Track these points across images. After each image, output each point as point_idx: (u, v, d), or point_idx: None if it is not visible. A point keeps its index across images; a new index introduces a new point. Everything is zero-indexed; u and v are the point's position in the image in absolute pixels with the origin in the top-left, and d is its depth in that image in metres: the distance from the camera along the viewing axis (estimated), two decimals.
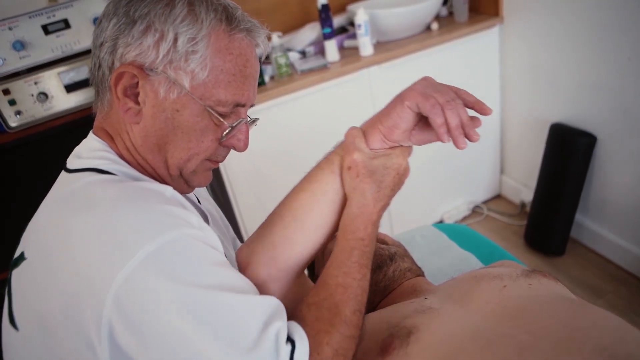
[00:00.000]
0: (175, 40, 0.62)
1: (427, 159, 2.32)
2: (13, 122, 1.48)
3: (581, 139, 1.97)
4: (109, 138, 0.70)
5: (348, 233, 0.66)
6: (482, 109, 0.63)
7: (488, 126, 2.43)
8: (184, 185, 0.72)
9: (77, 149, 0.72)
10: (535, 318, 0.67)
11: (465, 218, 2.55)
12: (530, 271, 0.82)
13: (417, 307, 0.78)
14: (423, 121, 0.67)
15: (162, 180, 0.71)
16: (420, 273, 0.96)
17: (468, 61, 2.21)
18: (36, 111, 1.49)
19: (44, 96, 1.49)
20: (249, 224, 2.04)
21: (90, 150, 0.69)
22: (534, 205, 2.24)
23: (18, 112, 1.48)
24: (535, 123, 2.25)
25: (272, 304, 0.59)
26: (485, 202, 2.62)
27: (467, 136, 0.61)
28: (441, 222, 2.52)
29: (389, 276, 0.91)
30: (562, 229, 2.14)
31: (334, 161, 0.71)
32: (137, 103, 0.65)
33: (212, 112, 0.65)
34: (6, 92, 1.45)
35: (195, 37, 0.62)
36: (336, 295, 0.63)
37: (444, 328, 0.71)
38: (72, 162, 0.69)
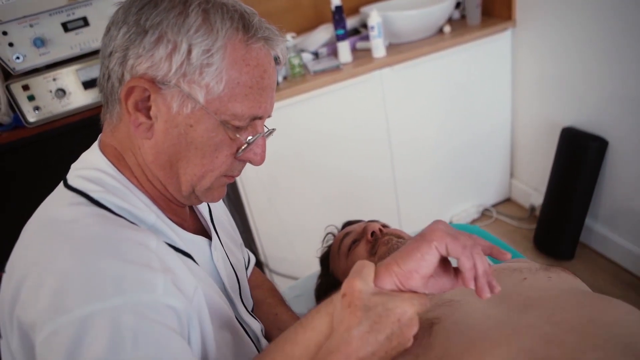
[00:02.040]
0: (189, 51, 0.58)
1: (437, 161, 2.33)
2: (32, 117, 1.50)
3: (592, 143, 1.97)
4: (116, 156, 0.67)
5: None
6: (501, 254, 0.57)
7: (499, 130, 2.43)
8: (195, 200, 0.69)
9: (79, 163, 0.69)
10: (558, 310, 0.67)
11: (474, 221, 2.55)
12: (549, 265, 0.82)
13: (436, 301, 0.78)
14: (440, 266, 0.58)
15: (172, 198, 0.69)
16: None
17: (480, 64, 2.21)
18: (54, 107, 1.52)
19: (62, 92, 1.51)
20: (260, 225, 2.05)
21: (91, 168, 0.66)
22: (544, 209, 2.24)
23: (37, 108, 1.50)
24: (546, 127, 2.25)
25: None
26: (495, 205, 2.62)
27: (489, 285, 0.55)
28: (451, 223, 2.52)
29: None
30: (571, 233, 2.14)
31: (334, 301, 0.59)
32: (149, 118, 0.61)
33: (228, 126, 0.62)
34: (25, 87, 1.48)
35: (211, 48, 0.58)
36: None
37: (466, 318, 0.71)
38: (71, 176, 0.66)
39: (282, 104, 1.86)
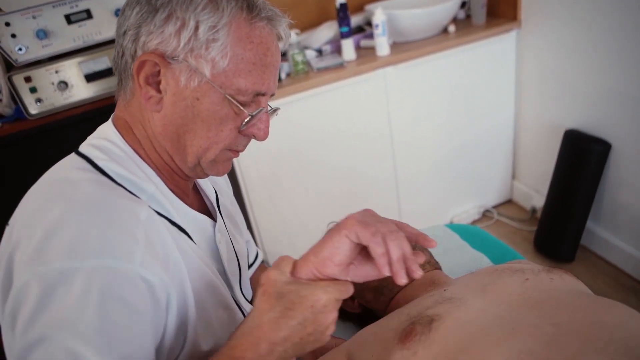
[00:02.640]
0: (197, 28, 0.62)
1: (439, 160, 2.33)
2: (33, 109, 1.50)
3: (596, 145, 1.96)
4: (126, 128, 0.70)
5: (234, 348, 0.57)
6: (426, 242, 0.59)
7: (501, 131, 2.42)
8: (200, 173, 0.72)
9: (94, 133, 0.73)
10: (560, 311, 0.66)
11: (475, 222, 2.54)
12: (551, 267, 0.82)
13: (437, 298, 0.78)
14: (363, 254, 0.60)
15: (178, 170, 0.71)
16: (438, 267, 0.97)
17: (484, 65, 2.20)
18: (56, 99, 1.52)
19: (64, 85, 1.51)
20: (261, 221, 2.05)
21: (101, 138, 0.70)
22: (545, 211, 2.24)
23: (38, 100, 1.50)
24: (549, 129, 2.24)
25: None
26: (496, 206, 2.62)
27: (408, 271, 0.55)
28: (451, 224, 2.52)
29: None
30: (572, 235, 2.13)
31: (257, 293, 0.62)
32: (159, 91, 0.65)
33: (232, 100, 0.65)
34: (28, 79, 1.47)
35: (216, 25, 0.62)
36: None
37: (467, 315, 0.70)
38: (83, 144, 0.71)
39: (285, 100, 1.85)
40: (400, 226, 0.60)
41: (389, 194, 2.28)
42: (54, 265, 0.54)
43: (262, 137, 0.71)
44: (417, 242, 0.60)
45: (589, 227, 2.15)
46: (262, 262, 1.11)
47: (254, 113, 0.67)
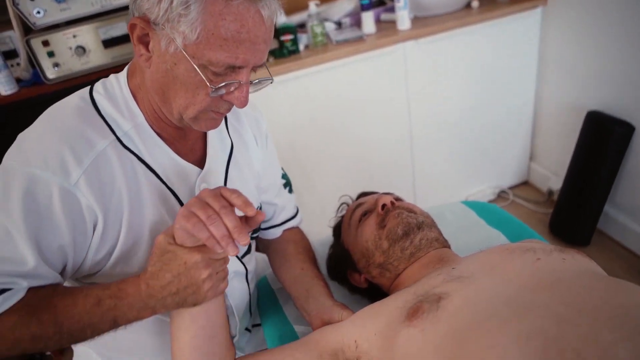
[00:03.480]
0: (172, 1, 0.65)
1: (456, 139, 2.30)
2: (51, 74, 1.50)
3: (618, 128, 1.91)
4: (133, 73, 0.79)
5: (124, 282, 0.73)
6: (246, 211, 0.67)
7: (521, 110, 2.38)
8: (188, 125, 0.78)
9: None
10: (572, 291, 0.65)
11: (490, 202, 2.51)
12: (564, 247, 0.80)
13: (445, 277, 0.77)
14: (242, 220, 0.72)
15: (166, 119, 0.79)
16: (447, 245, 0.96)
17: (506, 42, 2.15)
18: (73, 64, 1.51)
19: (81, 50, 1.50)
20: None
21: (115, 75, 0.81)
22: (562, 193, 2.20)
23: (56, 65, 1.49)
24: (570, 110, 2.19)
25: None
26: (512, 187, 2.58)
27: (235, 242, 0.66)
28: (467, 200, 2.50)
29: (415, 244, 0.91)
30: (589, 219, 2.10)
31: None
32: (148, 51, 0.71)
33: (199, 72, 0.68)
34: (45, 43, 1.47)
35: (189, 0, 0.65)
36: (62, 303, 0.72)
37: (475, 294, 0.70)
38: (108, 77, 0.82)
39: (303, 72, 1.83)
40: (229, 198, 0.68)
41: (404, 169, 2.26)
42: (6, 162, 0.70)
43: (239, 105, 0.74)
44: (241, 211, 0.68)
45: (606, 211, 2.11)
46: (293, 227, 1.14)
47: (220, 85, 0.70)
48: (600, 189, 2.04)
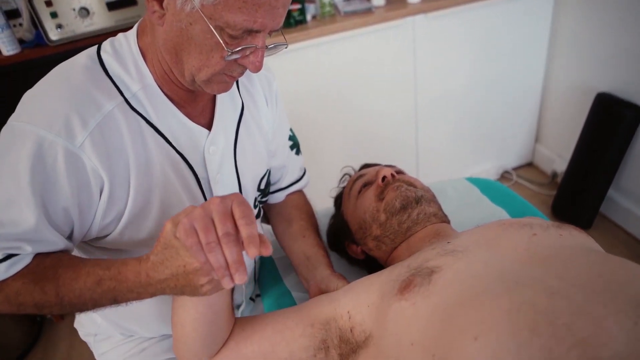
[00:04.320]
0: None
1: (462, 117, 2.27)
2: (54, 35, 1.48)
3: (628, 111, 1.89)
4: (144, 31, 0.76)
5: (125, 264, 0.68)
6: (247, 249, 0.57)
7: (529, 90, 2.35)
8: (199, 88, 0.75)
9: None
10: (567, 266, 0.64)
11: None
12: (562, 224, 0.79)
13: (439, 251, 0.76)
14: None
15: (176, 80, 0.75)
16: (445, 220, 0.95)
17: (518, 19, 2.11)
18: (77, 26, 1.49)
19: (85, 11, 1.47)
20: None
21: (123, 34, 0.78)
22: (567, 176, 2.19)
23: (59, 26, 1.47)
24: (579, 91, 2.16)
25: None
26: (516, 168, 2.57)
27: (231, 277, 0.57)
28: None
29: (413, 218, 0.90)
30: (592, 202, 2.09)
31: None
32: (162, 8, 0.68)
33: (215, 34, 0.66)
34: (48, 4, 1.44)
35: None
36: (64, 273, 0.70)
37: (468, 268, 0.69)
38: (116, 36, 0.79)
39: (310, 43, 1.80)
40: (238, 223, 0.58)
41: (408, 145, 2.24)
42: (13, 122, 0.69)
43: (253, 70, 0.72)
44: (245, 250, 0.58)
45: (610, 195, 2.10)
46: (297, 190, 1.13)
47: (236, 49, 0.67)
48: (605, 172, 2.02)
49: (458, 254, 0.73)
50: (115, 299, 0.70)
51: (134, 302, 0.71)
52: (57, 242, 0.73)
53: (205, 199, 0.86)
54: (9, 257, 0.69)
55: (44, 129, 0.67)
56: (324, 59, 1.88)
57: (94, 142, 0.69)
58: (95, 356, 1.05)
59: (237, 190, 0.90)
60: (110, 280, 0.68)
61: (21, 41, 1.56)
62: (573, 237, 0.76)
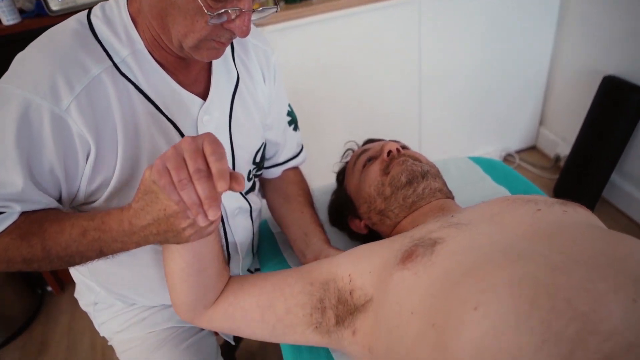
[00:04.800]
0: None
1: (466, 98, 2.26)
2: (55, 5, 1.46)
3: (635, 94, 1.86)
4: None
5: (108, 214, 0.69)
6: (216, 185, 0.57)
7: (534, 72, 2.32)
8: (189, 55, 0.74)
9: None
10: (570, 241, 0.64)
11: None
12: (566, 201, 0.79)
13: (443, 223, 0.77)
14: None
15: (166, 47, 0.74)
16: (450, 196, 0.95)
17: (526, 1, 2.07)
18: None
19: None
20: None
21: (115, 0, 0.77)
22: (570, 160, 2.18)
23: None
24: (586, 73, 2.14)
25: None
26: (519, 151, 2.56)
27: (205, 213, 0.58)
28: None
29: (418, 193, 0.90)
30: (595, 186, 2.08)
31: None
32: None
33: None
34: None
35: None
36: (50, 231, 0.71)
37: (471, 240, 0.69)
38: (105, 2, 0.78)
39: (315, 19, 1.78)
40: (209, 159, 0.58)
41: (411, 124, 2.23)
42: (2, 84, 0.68)
43: (241, 34, 0.70)
44: (215, 185, 0.58)
45: (613, 180, 2.09)
46: (293, 166, 1.12)
47: (219, 12, 0.66)
48: (608, 157, 2.01)
49: (462, 227, 0.73)
50: (101, 250, 0.70)
51: (120, 253, 0.72)
52: (45, 202, 0.73)
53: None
54: None
55: (30, 92, 0.66)
56: (329, 35, 1.86)
57: (81, 106, 0.69)
58: (95, 326, 1.05)
59: (230, 162, 0.90)
60: (94, 230, 0.69)
61: (21, 11, 1.54)
62: (577, 214, 0.75)
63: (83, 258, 0.72)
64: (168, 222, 0.63)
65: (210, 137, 0.60)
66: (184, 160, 0.58)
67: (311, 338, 0.78)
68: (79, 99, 0.68)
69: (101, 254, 0.71)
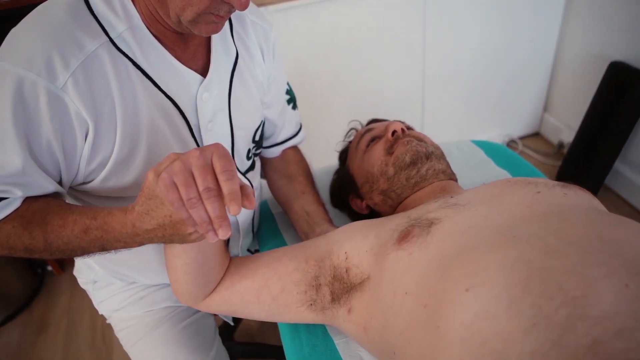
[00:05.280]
0: None
1: (470, 82, 2.23)
2: None
3: None
4: None
5: (110, 214, 0.67)
6: (228, 206, 0.56)
7: (540, 58, 2.29)
8: (187, 30, 0.72)
9: None
10: (566, 224, 0.63)
11: None
12: (567, 184, 0.78)
13: (441, 204, 0.76)
14: None
15: (164, 23, 0.72)
16: (453, 178, 0.94)
17: None
18: None
19: None
20: None
21: None
22: (573, 146, 2.16)
23: None
24: (593, 59, 2.11)
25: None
26: (522, 138, 2.54)
27: (215, 231, 0.57)
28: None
29: (422, 174, 0.89)
30: (597, 173, 2.07)
31: None
32: None
33: None
34: None
35: None
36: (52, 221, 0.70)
37: (467, 222, 0.68)
38: None
39: (317, 0, 1.75)
40: (219, 177, 0.57)
41: (414, 107, 2.21)
42: None
43: (239, 7, 0.67)
44: (227, 207, 0.57)
45: (616, 167, 2.08)
46: (293, 145, 1.11)
47: None
48: (612, 143, 1.99)
49: (459, 207, 0.73)
50: (103, 247, 0.69)
51: (124, 250, 0.70)
52: (47, 186, 0.71)
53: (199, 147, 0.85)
54: None
55: (24, 69, 0.64)
56: (332, 18, 1.83)
57: (77, 84, 0.66)
58: (94, 304, 1.05)
59: (229, 141, 0.89)
60: (97, 229, 0.67)
61: None
62: (577, 197, 0.75)
63: (85, 252, 0.71)
64: (174, 227, 0.62)
65: (220, 151, 0.58)
66: (193, 176, 0.56)
67: (306, 316, 0.78)
68: (75, 75, 0.66)
69: (103, 250, 0.70)
